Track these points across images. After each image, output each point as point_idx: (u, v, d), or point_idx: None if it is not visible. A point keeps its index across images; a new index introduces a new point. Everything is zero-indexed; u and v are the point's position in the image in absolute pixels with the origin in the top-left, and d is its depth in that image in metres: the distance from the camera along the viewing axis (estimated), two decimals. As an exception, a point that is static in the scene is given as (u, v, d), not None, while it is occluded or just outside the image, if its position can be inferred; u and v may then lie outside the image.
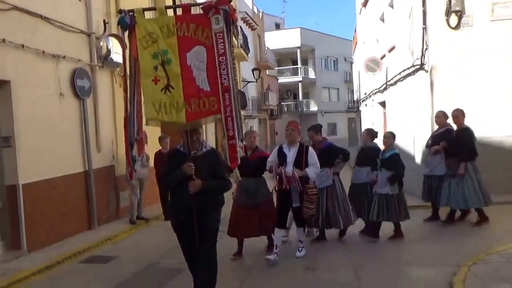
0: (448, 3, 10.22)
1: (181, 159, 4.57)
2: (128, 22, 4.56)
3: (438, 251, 6.61)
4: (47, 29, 7.86)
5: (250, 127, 29.50)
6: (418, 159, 11.85)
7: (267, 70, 35.80)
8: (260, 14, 37.16)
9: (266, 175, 6.85)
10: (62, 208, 8.10)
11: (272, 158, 6.73)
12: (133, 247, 8.00)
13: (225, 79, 4.28)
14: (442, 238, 7.37)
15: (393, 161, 7.18)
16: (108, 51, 9.46)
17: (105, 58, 9.51)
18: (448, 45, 10.49)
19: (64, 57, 8.19)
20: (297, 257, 6.63)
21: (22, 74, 7.23)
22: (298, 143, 6.69)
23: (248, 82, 27.89)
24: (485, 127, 10.05)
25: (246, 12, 29.15)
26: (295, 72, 45.52)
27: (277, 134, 39.60)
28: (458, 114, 8.09)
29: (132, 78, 4.60)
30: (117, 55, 9.44)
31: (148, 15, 4.71)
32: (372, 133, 7.95)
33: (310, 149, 6.74)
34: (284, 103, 44.20)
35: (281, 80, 44.07)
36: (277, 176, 6.49)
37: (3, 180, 7.03)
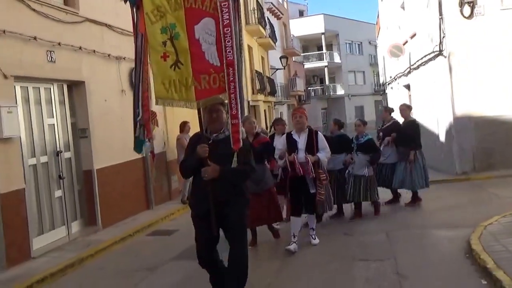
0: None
1: (203, 143, 4.19)
2: None
3: (458, 217, 7.44)
4: (111, 35, 8.98)
5: (280, 113, 30.44)
6: (442, 137, 12.65)
7: (293, 57, 36.50)
8: (285, 3, 37.84)
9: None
10: (125, 190, 9.24)
11: (281, 145, 6.63)
12: (190, 222, 9.10)
13: (229, 52, 3.99)
14: (461, 207, 8.24)
15: (370, 145, 7.90)
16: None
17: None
18: (463, 33, 11.27)
19: (124, 58, 9.27)
20: (314, 245, 6.60)
21: (94, 75, 8.35)
22: (307, 129, 6.61)
23: (277, 69, 28.77)
24: (500, 106, 10.89)
25: (271, 3, 29.91)
26: (320, 58, 46.08)
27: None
28: (405, 108, 8.93)
29: (138, 56, 4.42)
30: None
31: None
32: (339, 123, 8.36)
33: (320, 134, 6.72)
34: (311, 88, 44.85)
35: (307, 65, 44.60)
36: (289, 163, 6.38)
37: (80, 166, 8.20)
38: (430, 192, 8.92)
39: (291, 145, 6.51)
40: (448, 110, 11.74)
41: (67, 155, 7.86)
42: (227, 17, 4.01)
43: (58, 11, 7.53)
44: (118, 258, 6.97)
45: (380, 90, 32.28)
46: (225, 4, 4.01)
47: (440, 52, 12.01)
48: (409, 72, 16.76)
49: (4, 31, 6.33)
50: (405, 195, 8.99)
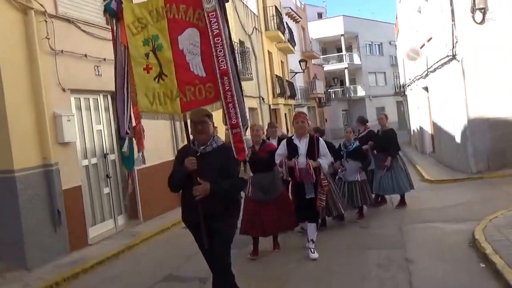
0: (472, 1, 11.69)
1: (191, 156, 4.10)
2: (114, 8, 4.38)
3: (467, 212, 8.20)
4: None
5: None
6: (458, 138, 13.41)
7: (312, 60, 37.37)
8: (303, 6, 38.73)
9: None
10: (162, 188, 10.19)
11: (281, 151, 6.58)
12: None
13: (222, 62, 3.96)
14: (472, 203, 9.02)
15: (359, 151, 8.42)
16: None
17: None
18: (475, 37, 11.98)
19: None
20: (313, 259, 6.40)
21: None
22: (308, 134, 6.64)
23: (296, 73, 29.65)
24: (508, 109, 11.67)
25: (290, 8, 30.82)
26: (340, 59, 46.64)
27: (326, 121, 41.19)
28: (383, 118, 9.61)
29: (122, 68, 4.40)
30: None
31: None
32: (320, 130, 8.66)
33: (321, 140, 6.73)
34: (331, 90, 45.50)
35: (327, 67, 45.31)
36: (288, 169, 6.40)
37: (123, 167, 9.24)
38: (445, 189, 9.78)
39: (292, 150, 6.49)
40: (462, 112, 12.49)
41: (112, 157, 8.91)
42: (216, 26, 3.98)
43: (102, 30, 8.55)
44: (159, 247, 7.99)
45: (400, 91, 32.83)
46: (213, 14, 3.98)
47: (454, 57, 12.76)
48: (426, 75, 17.48)
49: (62, 51, 7.41)
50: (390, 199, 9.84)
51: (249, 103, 18.39)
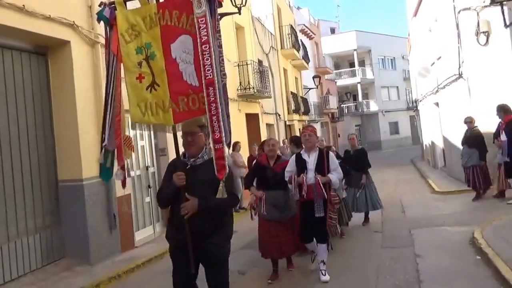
0: (477, 25, 12.99)
1: (180, 169, 4.04)
2: (107, 16, 4.36)
3: (473, 218, 9.36)
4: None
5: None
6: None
7: (325, 75, 38.85)
8: (316, 22, 40.31)
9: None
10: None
11: (290, 167, 6.45)
12: (243, 225, 11.30)
13: (208, 71, 3.83)
14: (479, 210, 10.24)
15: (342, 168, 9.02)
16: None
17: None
18: (479, 58, 13.25)
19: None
20: (324, 282, 6.33)
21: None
22: (318, 148, 6.54)
23: (310, 89, 31.07)
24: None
25: (304, 24, 32.38)
26: (353, 74, 48.09)
27: (339, 136, 42.43)
28: (354, 138, 10.49)
29: (110, 78, 4.38)
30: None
31: (131, 5, 4.36)
32: (296, 141, 8.36)
33: (331, 153, 6.63)
34: (344, 105, 46.85)
35: (340, 82, 46.71)
36: (297, 186, 6.28)
37: (161, 178, 10.60)
38: (452, 199, 11.01)
39: (300, 165, 6.37)
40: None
41: (152, 169, 10.29)
42: (205, 33, 3.88)
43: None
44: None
45: (413, 106, 34.06)
46: (202, 20, 3.90)
47: (460, 75, 14.10)
48: (437, 91, 18.80)
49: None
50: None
51: (266, 119, 19.83)
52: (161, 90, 4.12)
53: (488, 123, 13.29)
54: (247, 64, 16.63)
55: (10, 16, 6.53)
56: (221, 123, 3.83)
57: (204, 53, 3.86)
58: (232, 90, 15.52)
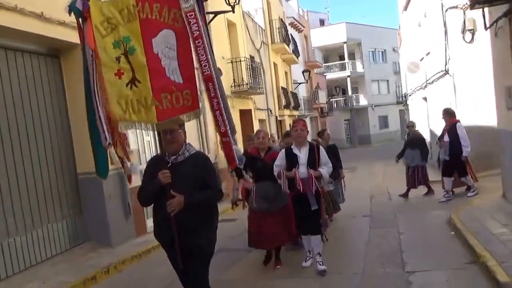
0: (463, 24, 14.62)
1: (162, 167, 4.23)
2: (80, 8, 4.29)
3: (453, 203, 10.99)
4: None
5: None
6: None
7: (315, 69, 40.44)
8: (305, 14, 41.82)
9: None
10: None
11: (280, 161, 6.72)
12: (243, 213, 12.79)
13: (205, 67, 3.93)
14: (458, 197, 11.87)
15: None
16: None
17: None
18: (465, 55, 14.89)
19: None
20: (322, 271, 6.74)
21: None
22: (308, 143, 6.83)
23: (299, 83, 32.66)
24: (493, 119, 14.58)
25: (293, 17, 33.88)
26: (342, 68, 49.60)
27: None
28: (329, 134, 11.29)
29: (91, 74, 4.34)
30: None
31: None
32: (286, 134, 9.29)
33: (321, 148, 6.89)
34: (333, 100, 48.36)
35: (329, 76, 48.21)
36: (287, 180, 6.54)
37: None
38: (436, 187, 12.54)
39: (292, 160, 6.64)
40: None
41: (157, 163, 11.72)
42: (196, 28, 3.93)
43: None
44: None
45: (402, 101, 35.68)
46: (192, 15, 3.93)
47: (447, 72, 15.76)
48: (425, 86, 20.47)
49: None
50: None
51: (259, 115, 21.36)
52: (143, 86, 4.17)
53: (472, 118, 14.99)
54: (240, 61, 18.11)
55: (31, 23, 7.71)
56: (225, 117, 4.03)
57: (198, 48, 3.94)
58: (226, 86, 16.95)
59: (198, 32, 3.95)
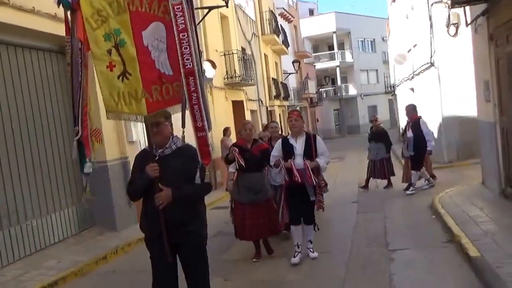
0: (448, 18, 15.38)
1: (149, 161, 4.26)
2: (69, 0, 4.33)
3: (434, 189, 11.84)
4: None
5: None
6: (435, 133, 17.16)
7: (304, 59, 41.13)
8: (295, 3, 42.43)
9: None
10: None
11: (277, 152, 6.77)
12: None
13: (187, 60, 3.94)
14: (439, 184, 12.67)
15: None
16: (203, 71, 15.19)
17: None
18: (449, 48, 15.67)
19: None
20: (313, 258, 7.04)
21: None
22: (304, 133, 6.84)
23: (289, 74, 33.32)
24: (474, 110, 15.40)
25: (283, 8, 34.48)
26: (332, 57, 50.33)
27: (317, 121, 44.88)
28: (276, 125, 11.23)
29: (77, 66, 4.37)
30: (209, 73, 15.15)
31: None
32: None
33: (318, 137, 6.91)
34: (322, 90, 49.16)
35: (319, 66, 48.95)
36: (286, 171, 6.59)
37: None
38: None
39: (288, 150, 6.68)
40: (438, 111, 16.29)
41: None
42: (182, 21, 3.95)
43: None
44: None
45: (391, 90, 36.50)
46: (179, 8, 3.96)
47: (432, 64, 16.56)
48: (412, 77, 21.29)
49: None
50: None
51: (250, 106, 22.07)
52: (133, 78, 4.22)
53: (456, 109, 15.84)
54: (232, 54, 18.77)
55: (45, 23, 8.35)
56: (203, 112, 4.01)
57: (182, 41, 3.94)
58: (219, 79, 17.69)
59: (183, 26, 3.97)
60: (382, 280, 5.99)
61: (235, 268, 7.21)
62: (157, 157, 4.31)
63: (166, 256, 4.27)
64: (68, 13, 4.42)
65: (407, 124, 12.25)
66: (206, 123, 4.03)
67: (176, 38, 3.95)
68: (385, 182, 13.29)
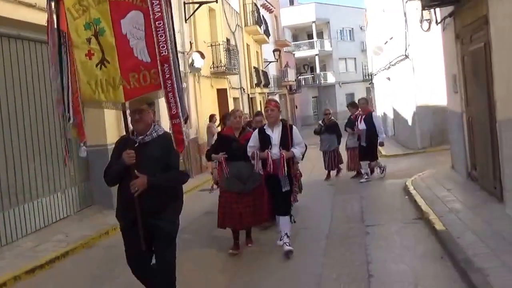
0: (421, 14, 16.22)
1: (129, 147, 4.29)
2: None
3: (407, 173, 12.63)
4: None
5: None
6: (409, 121, 18.14)
7: (284, 48, 41.86)
8: (276, -6, 43.02)
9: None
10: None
11: (253, 142, 6.71)
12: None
13: (163, 48, 4.02)
14: (412, 168, 13.58)
15: None
16: (192, 61, 15.85)
17: (190, 66, 15.92)
18: (423, 42, 16.53)
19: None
20: (288, 251, 6.66)
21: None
22: (281, 122, 6.79)
23: (270, 62, 34.05)
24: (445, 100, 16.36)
25: (265, -1, 35.17)
26: (311, 46, 51.19)
27: (296, 107, 45.70)
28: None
29: (64, 55, 4.42)
30: (198, 63, 15.83)
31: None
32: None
33: (294, 128, 6.88)
34: (301, 77, 49.97)
35: (298, 54, 49.79)
36: (261, 162, 6.55)
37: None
38: (397, 161, 14.35)
39: (264, 140, 6.64)
40: (412, 100, 17.24)
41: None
42: (158, 9, 4.01)
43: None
44: (188, 202, 12.16)
45: (368, 79, 37.46)
46: None
47: (406, 56, 17.45)
48: (389, 68, 22.18)
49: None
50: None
51: (233, 94, 22.80)
52: (112, 67, 4.24)
53: (429, 99, 16.77)
54: (219, 45, 19.54)
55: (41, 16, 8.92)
56: (177, 99, 4.06)
57: (158, 29, 4.01)
58: (206, 68, 18.38)
59: (160, 14, 4.04)
60: (358, 250, 6.79)
61: (227, 242, 7.58)
62: (137, 144, 4.37)
63: (140, 244, 4.30)
64: (52, 3, 4.44)
65: (359, 116, 12.60)
66: (180, 110, 4.08)
67: (153, 26, 4.05)
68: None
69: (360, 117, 12.50)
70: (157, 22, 4.04)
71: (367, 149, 12.29)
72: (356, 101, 13.14)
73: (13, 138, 8.46)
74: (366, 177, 12.45)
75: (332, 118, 14.22)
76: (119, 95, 4.25)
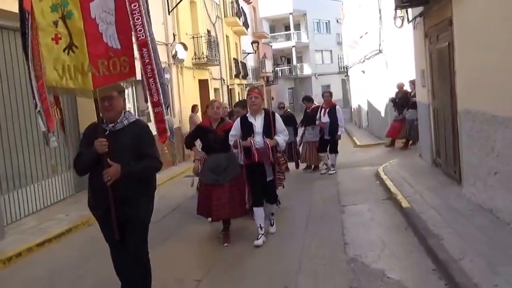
0: (394, 12, 17.25)
1: (99, 135, 4.15)
2: None
3: (380, 161, 13.70)
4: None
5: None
6: (382, 113, 19.23)
7: (262, 39, 42.64)
8: (254, -14, 43.67)
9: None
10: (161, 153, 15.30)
11: (235, 131, 6.65)
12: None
13: (140, 31, 3.89)
14: (384, 156, 14.68)
15: None
16: (176, 53, 16.63)
17: (174, 57, 16.70)
18: (396, 38, 17.56)
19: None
20: (271, 233, 7.12)
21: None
22: (263, 111, 6.76)
23: (248, 53, 34.84)
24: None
25: (244, -11, 35.85)
26: (288, 38, 51.93)
27: (273, 99, 46.49)
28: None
29: (26, 38, 4.33)
30: (181, 55, 16.62)
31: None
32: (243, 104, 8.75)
33: (277, 115, 6.87)
34: (278, 69, 50.76)
35: (275, 46, 50.40)
36: (244, 150, 6.52)
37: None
38: (370, 151, 15.36)
39: (247, 129, 6.59)
40: (385, 93, 18.29)
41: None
42: None
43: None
44: (173, 186, 13.12)
45: (344, 71, 38.47)
46: None
47: (380, 51, 18.52)
48: (363, 61, 23.26)
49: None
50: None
51: (214, 84, 23.63)
52: (80, 52, 4.06)
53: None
54: (200, 36, 20.29)
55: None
56: (158, 85, 3.98)
57: (134, 12, 3.88)
58: (188, 59, 19.12)
59: None
60: (335, 225, 7.79)
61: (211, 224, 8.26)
62: (108, 132, 4.27)
63: (114, 233, 4.26)
64: None
65: (322, 109, 12.99)
66: (161, 97, 4.01)
67: (128, 9, 3.91)
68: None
69: (323, 110, 12.87)
70: (132, 5, 3.93)
71: (330, 142, 12.74)
72: (328, 93, 13.69)
73: (15, 128, 9.18)
74: (326, 167, 13.01)
75: (288, 110, 14.54)
76: (88, 82, 4.09)
